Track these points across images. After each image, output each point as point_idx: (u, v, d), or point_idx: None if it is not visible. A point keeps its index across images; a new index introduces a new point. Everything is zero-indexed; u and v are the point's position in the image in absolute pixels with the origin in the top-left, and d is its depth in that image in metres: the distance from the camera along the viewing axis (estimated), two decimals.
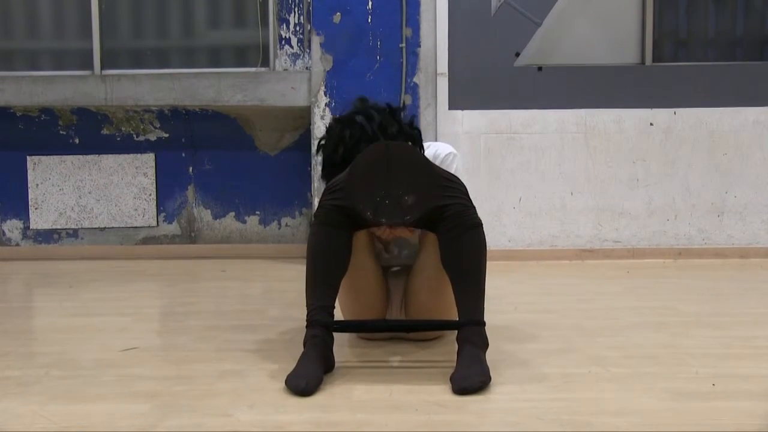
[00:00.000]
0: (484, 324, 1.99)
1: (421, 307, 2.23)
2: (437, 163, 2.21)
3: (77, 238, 4.45)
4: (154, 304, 3.24)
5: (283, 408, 1.74)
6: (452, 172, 2.20)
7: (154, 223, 4.44)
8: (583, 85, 4.17)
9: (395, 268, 2.38)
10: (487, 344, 1.99)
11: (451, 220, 1.97)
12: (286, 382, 1.86)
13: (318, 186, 4.05)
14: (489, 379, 1.87)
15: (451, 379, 1.87)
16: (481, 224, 2.01)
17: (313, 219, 2.06)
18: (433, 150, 2.26)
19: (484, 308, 2.00)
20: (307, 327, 1.98)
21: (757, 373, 2.01)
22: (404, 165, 1.93)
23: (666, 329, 2.49)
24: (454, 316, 2.24)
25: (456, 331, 2.00)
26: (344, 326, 2.13)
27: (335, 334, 2.27)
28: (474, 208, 2.01)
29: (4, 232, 4.46)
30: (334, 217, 1.99)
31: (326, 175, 2.15)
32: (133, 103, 4.22)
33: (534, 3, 4.15)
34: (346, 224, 2.00)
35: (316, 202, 4.06)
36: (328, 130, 2.20)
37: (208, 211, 4.46)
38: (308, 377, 1.85)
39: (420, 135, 2.19)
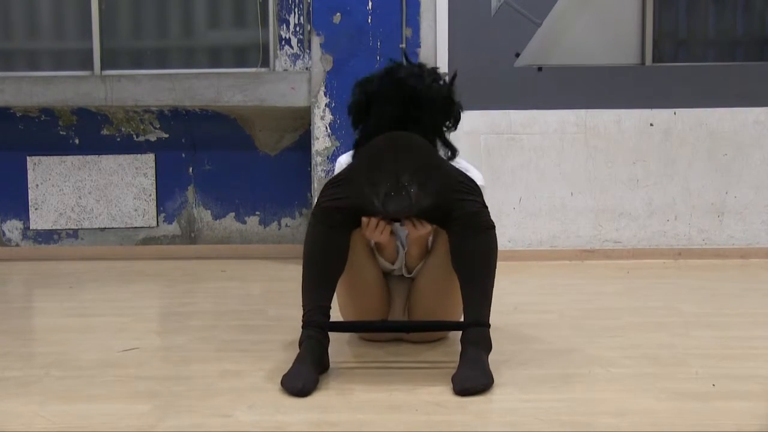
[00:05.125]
0: (488, 326, 1.98)
1: (427, 309, 2.21)
2: None
3: (77, 238, 4.45)
4: (154, 305, 3.24)
5: (283, 408, 1.74)
6: None
7: (154, 224, 4.44)
8: (583, 85, 4.17)
9: (401, 276, 2.35)
10: (491, 347, 1.98)
11: (464, 219, 1.95)
12: (282, 383, 1.86)
13: (318, 186, 4.05)
14: (491, 381, 1.87)
15: (452, 380, 1.86)
16: (494, 227, 1.99)
17: (310, 218, 2.04)
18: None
19: (490, 311, 1.99)
20: (303, 327, 1.98)
21: (757, 373, 2.01)
22: (411, 154, 1.90)
23: (666, 329, 2.49)
24: (458, 319, 2.23)
25: (460, 333, 2.00)
26: (341, 326, 2.12)
27: (335, 335, 2.27)
28: (487, 209, 2.00)
29: (4, 232, 4.46)
30: (331, 217, 1.98)
31: (354, 103, 2.11)
32: (133, 104, 4.22)
33: (534, 3, 4.14)
34: (343, 224, 1.99)
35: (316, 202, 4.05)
36: None
37: (208, 211, 4.46)
38: (304, 378, 1.84)
39: (457, 103, 2.12)
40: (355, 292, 2.21)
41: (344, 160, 2.26)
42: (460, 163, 2.23)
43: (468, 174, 2.21)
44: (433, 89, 2.06)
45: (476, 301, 1.97)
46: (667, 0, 4.29)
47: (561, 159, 4.17)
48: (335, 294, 2.10)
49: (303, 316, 1.98)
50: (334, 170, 2.33)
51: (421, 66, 2.13)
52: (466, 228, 1.95)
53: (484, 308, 1.97)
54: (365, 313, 2.22)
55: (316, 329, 1.95)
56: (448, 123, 2.12)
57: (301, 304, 2.02)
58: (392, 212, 1.92)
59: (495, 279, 2.00)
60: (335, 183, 1.99)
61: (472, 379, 1.84)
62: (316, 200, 2.33)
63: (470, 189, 1.97)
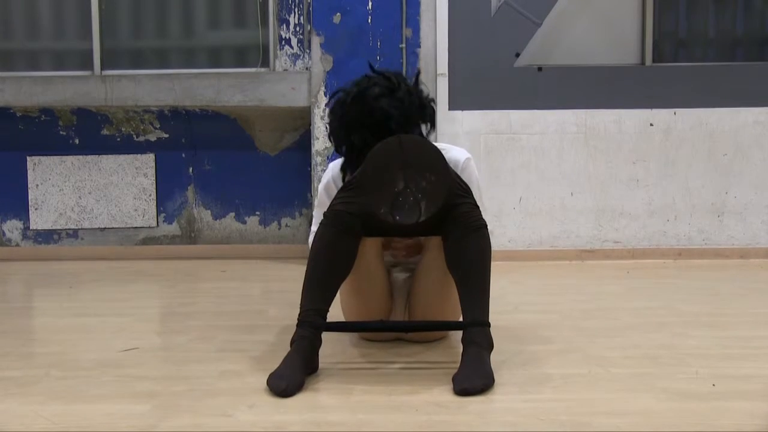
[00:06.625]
0: (488, 325, 1.98)
1: (427, 309, 2.21)
2: (457, 169, 2.18)
3: (77, 238, 4.45)
4: (154, 305, 3.24)
5: (283, 408, 1.74)
6: (472, 176, 2.19)
7: (154, 224, 4.44)
8: (583, 86, 4.17)
9: (403, 274, 2.35)
10: (492, 345, 1.98)
11: (457, 220, 1.96)
12: (267, 381, 1.86)
13: (318, 186, 4.04)
14: (492, 381, 1.86)
15: (453, 379, 1.86)
16: (486, 225, 2.00)
17: (322, 219, 2.03)
18: (451, 155, 2.21)
19: (489, 309, 1.99)
20: (297, 326, 1.98)
21: (757, 373, 2.01)
22: (419, 161, 1.90)
23: (666, 329, 2.49)
24: (459, 318, 2.24)
25: (460, 332, 2.00)
26: (337, 327, 2.12)
27: (336, 335, 2.27)
28: (479, 208, 2.01)
29: (4, 232, 4.46)
30: (342, 220, 1.97)
31: (332, 117, 2.12)
32: (133, 104, 4.22)
33: (534, 3, 4.14)
34: (354, 228, 1.98)
35: (316, 202, 4.05)
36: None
37: (208, 211, 4.46)
38: (289, 379, 1.84)
39: (430, 105, 2.13)
40: (361, 294, 2.20)
41: (337, 166, 2.27)
42: (445, 147, 2.23)
43: (457, 156, 2.22)
44: (405, 103, 2.04)
45: (475, 301, 1.97)
46: (667, 0, 4.29)
47: (561, 159, 4.17)
48: (338, 294, 2.10)
49: (299, 315, 1.98)
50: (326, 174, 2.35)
51: (389, 78, 2.07)
52: (459, 228, 1.96)
53: (483, 307, 1.98)
54: (370, 312, 2.22)
55: (309, 329, 1.95)
56: (425, 126, 2.13)
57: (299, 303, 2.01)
58: (400, 221, 1.91)
59: (491, 277, 2.01)
60: (348, 186, 1.99)
61: (472, 379, 1.84)
62: (316, 202, 2.33)
63: (465, 191, 2.00)
